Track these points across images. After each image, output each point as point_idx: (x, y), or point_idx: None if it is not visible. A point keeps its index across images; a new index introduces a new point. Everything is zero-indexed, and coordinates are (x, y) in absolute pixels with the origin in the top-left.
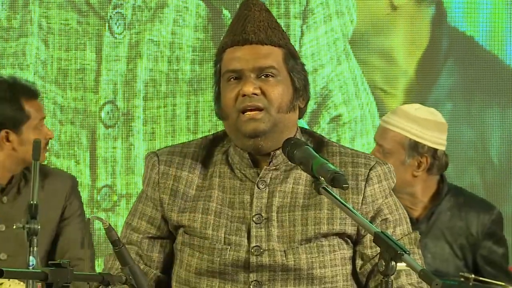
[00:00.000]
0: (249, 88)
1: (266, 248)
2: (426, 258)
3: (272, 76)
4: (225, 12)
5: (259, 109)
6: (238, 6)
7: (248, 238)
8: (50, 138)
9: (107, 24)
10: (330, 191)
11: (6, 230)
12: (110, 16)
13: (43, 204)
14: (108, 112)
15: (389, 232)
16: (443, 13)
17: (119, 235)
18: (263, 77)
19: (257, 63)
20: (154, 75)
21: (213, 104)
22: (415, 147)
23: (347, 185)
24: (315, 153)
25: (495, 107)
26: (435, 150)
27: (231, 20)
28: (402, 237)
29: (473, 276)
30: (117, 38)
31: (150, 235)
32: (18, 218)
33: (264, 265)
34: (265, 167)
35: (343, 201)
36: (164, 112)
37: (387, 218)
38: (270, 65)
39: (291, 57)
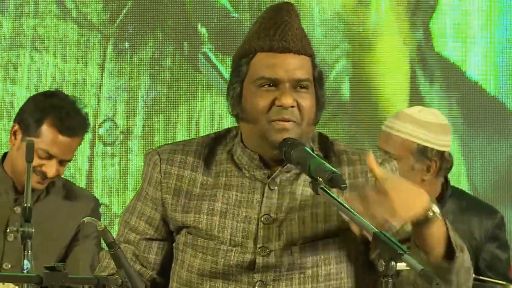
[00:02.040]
0: (288, 100)
1: (273, 249)
2: None
3: (305, 88)
4: (202, 29)
5: (292, 120)
6: (215, 21)
7: (255, 238)
8: (47, 176)
9: (110, 40)
10: (328, 191)
11: (14, 240)
12: (114, 34)
13: (61, 220)
14: (107, 129)
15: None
16: (429, 38)
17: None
18: (297, 88)
19: (296, 74)
20: (155, 94)
21: (229, 102)
22: (423, 152)
23: (345, 185)
24: (312, 153)
25: (480, 136)
26: (442, 152)
27: (260, 21)
28: None
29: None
30: (120, 55)
31: (148, 236)
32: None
33: (270, 266)
34: (280, 168)
35: (341, 201)
36: (164, 132)
37: None
38: (307, 78)
39: (316, 65)
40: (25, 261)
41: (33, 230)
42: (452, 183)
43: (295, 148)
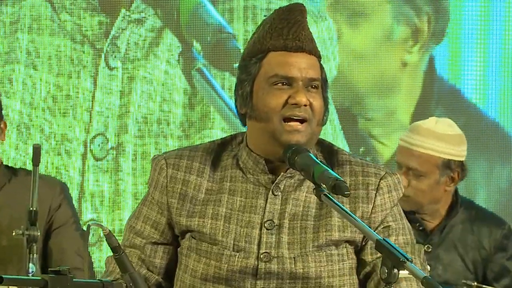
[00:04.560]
0: (302, 98)
1: (275, 255)
2: (438, 270)
3: (315, 88)
4: (197, 45)
5: (304, 120)
6: (209, 37)
7: (258, 244)
8: None
9: (103, 55)
10: (332, 198)
11: None
12: (107, 50)
13: (26, 207)
14: (99, 145)
15: (392, 239)
16: (433, 63)
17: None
18: (309, 88)
19: (309, 73)
20: (146, 112)
21: (237, 102)
22: (448, 165)
23: (348, 193)
24: (316, 159)
25: (482, 161)
26: (462, 162)
27: (271, 21)
28: (405, 246)
29: (475, 284)
30: (112, 71)
31: (154, 240)
32: None
33: (273, 272)
34: (282, 173)
35: (344, 208)
36: (154, 150)
37: (389, 225)
38: (318, 77)
39: (323, 67)
40: (30, 264)
41: (39, 233)
42: None
43: (299, 154)
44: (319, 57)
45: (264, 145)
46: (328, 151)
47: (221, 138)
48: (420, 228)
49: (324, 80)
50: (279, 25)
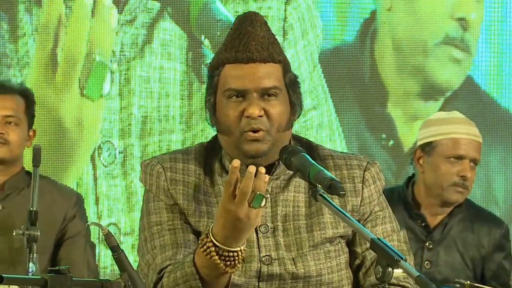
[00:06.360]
0: (254, 111)
1: (276, 257)
2: (438, 266)
3: (274, 96)
4: (206, 41)
5: (261, 129)
6: (218, 33)
7: (258, 247)
8: None
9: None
10: (327, 198)
11: None
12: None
13: (43, 213)
14: (107, 150)
15: (380, 228)
16: None
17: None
18: (265, 96)
19: (262, 83)
20: (146, 111)
21: (207, 114)
22: None
23: (344, 192)
24: (312, 160)
25: (499, 149)
26: None
27: (229, 33)
28: (392, 233)
29: (468, 282)
30: (111, 75)
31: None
32: (6, 227)
33: (275, 275)
34: (269, 177)
35: (340, 208)
36: (159, 148)
37: (378, 215)
38: (274, 85)
39: (288, 71)
40: (30, 264)
41: (38, 233)
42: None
43: (295, 155)
44: (279, 62)
45: (235, 155)
46: (308, 147)
47: (207, 142)
48: (423, 224)
49: (289, 84)
50: (233, 36)
